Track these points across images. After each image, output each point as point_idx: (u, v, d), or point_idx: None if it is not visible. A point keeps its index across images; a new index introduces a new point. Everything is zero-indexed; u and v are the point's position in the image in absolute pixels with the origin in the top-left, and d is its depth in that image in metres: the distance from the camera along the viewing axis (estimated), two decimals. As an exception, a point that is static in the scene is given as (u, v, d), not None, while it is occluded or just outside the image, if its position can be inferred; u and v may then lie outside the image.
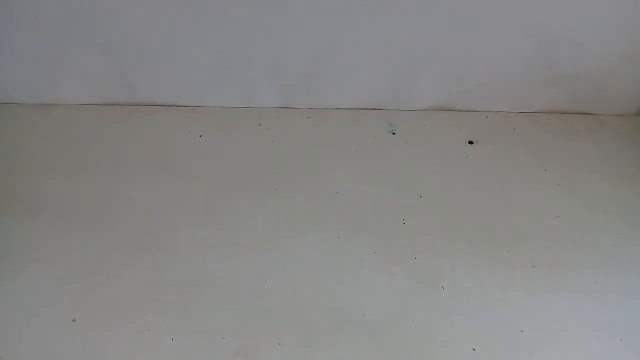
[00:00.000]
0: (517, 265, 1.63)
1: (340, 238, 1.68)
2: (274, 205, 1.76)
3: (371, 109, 2.04)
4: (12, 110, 2.01)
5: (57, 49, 1.83)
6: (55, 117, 2.00)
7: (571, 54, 1.82)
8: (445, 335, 1.50)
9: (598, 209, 1.77)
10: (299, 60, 1.87)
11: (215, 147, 1.92)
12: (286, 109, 2.04)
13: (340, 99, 2.01)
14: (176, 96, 2.01)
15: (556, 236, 1.70)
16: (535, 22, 1.73)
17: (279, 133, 1.97)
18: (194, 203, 1.76)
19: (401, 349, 1.47)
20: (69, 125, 1.98)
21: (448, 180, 1.83)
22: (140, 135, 1.95)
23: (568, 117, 2.03)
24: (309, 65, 1.88)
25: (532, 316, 1.54)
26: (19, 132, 1.96)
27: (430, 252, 1.65)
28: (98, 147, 1.91)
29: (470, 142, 1.95)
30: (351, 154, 1.91)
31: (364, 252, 1.65)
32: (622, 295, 1.58)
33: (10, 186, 1.80)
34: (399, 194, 1.79)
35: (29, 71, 1.92)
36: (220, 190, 1.80)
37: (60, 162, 1.87)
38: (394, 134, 1.97)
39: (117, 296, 1.56)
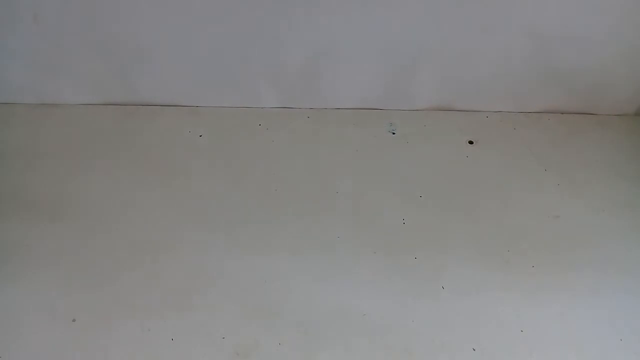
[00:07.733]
0: (517, 265, 1.63)
1: (340, 238, 1.68)
2: (274, 205, 1.76)
3: (371, 109, 2.04)
4: (12, 110, 2.01)
5: (57, 49, 1.83)
6: (55, 117, 2.00)
7: (571, 54, 1.82)
8: (445, 335, 1.50)
9: (598, 209, 1.76)
10: (299, 60, 1.87)
11: (215, 147, 1.92)
12: (286, 109, 2.04)
13: (340, 99, 2.01)
14: (176, 96, 2.01)
15: (556, 236, 1.70)
16: (535, 22, 1.73)
17: (279, 133, 1.97)
18: (194, 203, 1.76)
19: (401, 349, 1.47)
20: (69, 125, 1.98)
21: (448, 180, 1.83)
22: (140, 135, 1.95)
23: (568, 117, 2.03)
24: (309, 65, 1.88)
25: (532, 316, 1.53)
26: (19, 132, 1.96)
27: (430, 252, 1.65)
28: (98, 147, 1.91)
29: (470, 142, 1.95)
30: (351, 154, 1.91)
31: (364, 252, 1.65)
32: (622, 295, 1.57)
33: (10, 186, 1.80)
34: (399, 194, 1.79)
35: (29, 71, 1.92)
36: (220, 190, 1.80)
37: (61, 162, 1.87)
38: (394, 134, 1.97)
39: (117, 296, 1.55)
